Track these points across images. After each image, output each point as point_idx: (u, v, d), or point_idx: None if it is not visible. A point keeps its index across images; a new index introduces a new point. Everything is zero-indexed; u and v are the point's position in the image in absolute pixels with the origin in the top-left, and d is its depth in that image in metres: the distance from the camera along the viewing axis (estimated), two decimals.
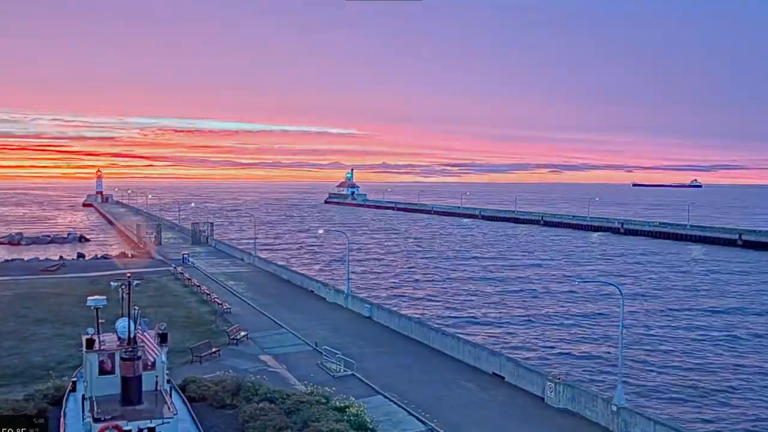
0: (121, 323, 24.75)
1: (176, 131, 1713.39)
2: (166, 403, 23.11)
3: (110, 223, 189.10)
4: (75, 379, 27.75)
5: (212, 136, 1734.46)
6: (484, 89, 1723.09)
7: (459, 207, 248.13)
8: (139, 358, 23.33)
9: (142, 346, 23.75)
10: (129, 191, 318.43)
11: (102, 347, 24.36)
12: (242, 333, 45.98)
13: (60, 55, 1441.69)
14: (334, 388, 32.01)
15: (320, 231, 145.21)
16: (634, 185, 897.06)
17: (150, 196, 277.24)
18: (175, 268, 79.04)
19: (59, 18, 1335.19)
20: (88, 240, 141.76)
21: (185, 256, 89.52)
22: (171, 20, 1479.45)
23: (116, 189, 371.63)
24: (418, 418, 31.05)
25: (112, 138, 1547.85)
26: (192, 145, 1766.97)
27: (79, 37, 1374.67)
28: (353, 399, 29.68)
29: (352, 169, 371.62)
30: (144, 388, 23.52)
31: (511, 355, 41.08)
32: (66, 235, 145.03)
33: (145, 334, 24.15)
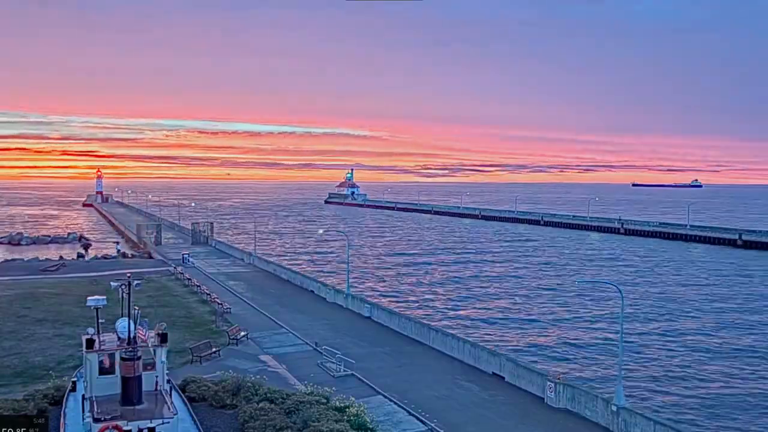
0: (121, 323, 24.71)
1: (201, 132, 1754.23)
2: (166, 403, 23.07)
3: (110, 222, 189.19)
4: (75, 379, 27.73)
5: (235, 137, 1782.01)
6: (485, 90, 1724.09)
7: (459, 207, 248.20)
8: (139, 358, 23.31)
9: (147, 345, 23.73)
10: (129, 191, 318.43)
11: (102, 347, 24.33)
12: (242, 333, 45.96)
13: (96, 58, 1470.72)
14: (334, 388, 31.98)
15: (320, 231, 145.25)
16: (634, 185, 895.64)
17: (150, 196, 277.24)
18: (175, 268, 79.05)
19: (94, 26, 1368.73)
20: (88, 240, 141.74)
21: (185, 255, 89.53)
22: (199, 26, 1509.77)
23: (116, 189, 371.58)
24: (418, 418, 31.05)
25: (134, 139, 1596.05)
26: (211, 146, 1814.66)
27: (113, 42, 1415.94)
28: (353, 399, 29.64)
29: (352, 169, 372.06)
30: (144, 388, 23.49)
31: (511, 355, 41.09)
32: (66, 235, 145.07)
33: (147, 332, 24.17)
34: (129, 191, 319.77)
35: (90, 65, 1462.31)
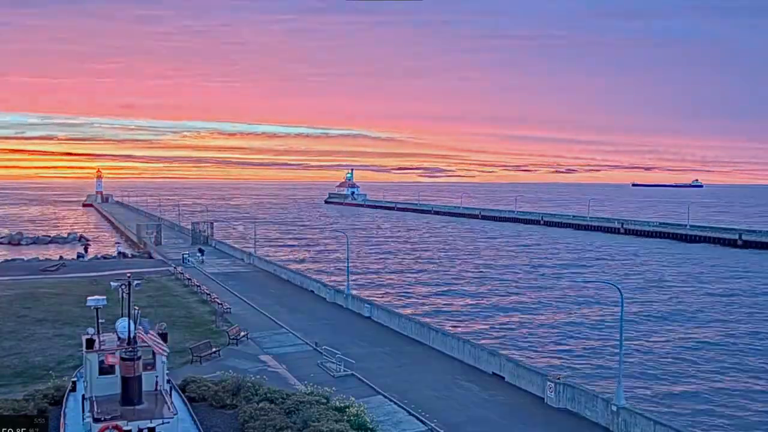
0: (121, 323, 24.70)
1: (220, 134, 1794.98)
2: (166, 403, 23.06)
3: (110, 222, 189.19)
4: (75, 379, 27.72)
5: (252, 138, 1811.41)
6: (485, 90, 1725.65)
7: (459, 207, 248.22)
8: (139, 358, 23.29)
9: (147, 345, 23.67)
10: (128, 191, 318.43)
11: (102, 347, 24.32)
12: (242, 333, 45.97)
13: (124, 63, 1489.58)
14: (334, 388, 31.98)
15: (320, 231, 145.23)
16: (634, 185, 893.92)
17: (150, 197, 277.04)
18: (175, 268, 79.03)
19: (116, 31, 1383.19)
20: (88, 240, 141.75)
21: (185, 255, 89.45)
22: (221, 29, 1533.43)
23: (116, 189, 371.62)
24: (418, 418, 31.04)
25: (149, 141, 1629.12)
26: (228, 147, 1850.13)
27: (135, 46, 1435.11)
28: (353, 399, 29.64)
29: (352, 170, 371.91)
30: (144, 388, 23.48)
31: (511, 355, 41.09)
32: (66, 235, 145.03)
33: (149, 332, 24.13)
34: (128, 191, 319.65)
35: (114, 68, 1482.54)
